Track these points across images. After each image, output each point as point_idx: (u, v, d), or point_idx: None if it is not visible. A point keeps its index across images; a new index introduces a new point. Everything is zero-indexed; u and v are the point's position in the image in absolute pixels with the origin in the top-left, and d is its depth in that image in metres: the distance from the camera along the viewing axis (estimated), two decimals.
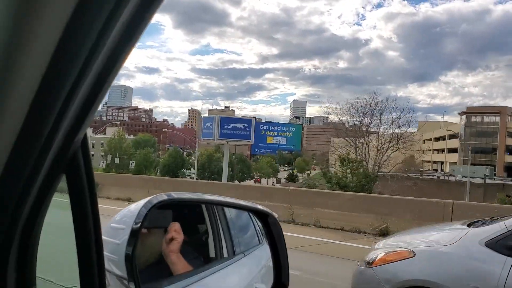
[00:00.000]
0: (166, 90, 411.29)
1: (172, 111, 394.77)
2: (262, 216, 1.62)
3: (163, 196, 1.23)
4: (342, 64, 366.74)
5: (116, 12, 0.62)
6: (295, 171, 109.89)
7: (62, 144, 0.76)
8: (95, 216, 0.85)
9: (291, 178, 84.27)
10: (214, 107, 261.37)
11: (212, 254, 1.55)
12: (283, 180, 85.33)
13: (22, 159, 0.75)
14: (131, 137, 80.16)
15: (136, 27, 0.66)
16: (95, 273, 0.86)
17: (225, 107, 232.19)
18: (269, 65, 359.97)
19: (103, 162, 56.45)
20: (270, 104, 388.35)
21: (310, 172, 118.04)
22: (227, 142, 43.17)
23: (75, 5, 0.60)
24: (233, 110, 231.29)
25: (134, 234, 1.11)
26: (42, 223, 0.85)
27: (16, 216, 0.80)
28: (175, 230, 1.26)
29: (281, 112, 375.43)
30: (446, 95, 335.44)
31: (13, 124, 0.71)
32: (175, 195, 1.34)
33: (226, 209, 1.67)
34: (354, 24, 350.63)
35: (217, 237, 1.58)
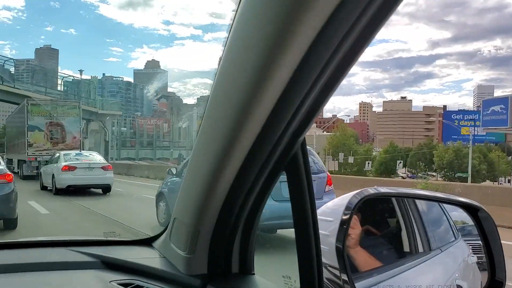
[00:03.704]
0: None
1: (334, 107, 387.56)
2: (472, 211, 1.58)
3: (369, 191, 1.29)
4: None
5: (356, 22, 0.65)
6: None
7: (286, 145, 0.83)
8: (313, 210, 0.88)
9: None
10: (379, 99, 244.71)
11: (406, 248, 1.56)
12: None
13: (255, 158, 0.85)
14: (326, 133, 75.21)
15: (368, 35, 0.70)
16: (314, 265, 0.88)
17: (401, 97, 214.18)
18: (440, 50, 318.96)
19: (369, 163, 51.43)
20: (442, 93, 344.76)
21: None
22: None
23: (327, 19, 0.62)
24: (410, 100, 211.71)
25: (344, 226, 1.18)
26: (260, 215, 0.96)
27: (243, 207, 0.91)
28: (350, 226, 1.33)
29: (456, 101, 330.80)
30: None
31: (254, 129, 0.80)
32: (382, 189, 1.40)
33: (417, 202, 1.64)
34: None
35: (411, 231, 1.57)
